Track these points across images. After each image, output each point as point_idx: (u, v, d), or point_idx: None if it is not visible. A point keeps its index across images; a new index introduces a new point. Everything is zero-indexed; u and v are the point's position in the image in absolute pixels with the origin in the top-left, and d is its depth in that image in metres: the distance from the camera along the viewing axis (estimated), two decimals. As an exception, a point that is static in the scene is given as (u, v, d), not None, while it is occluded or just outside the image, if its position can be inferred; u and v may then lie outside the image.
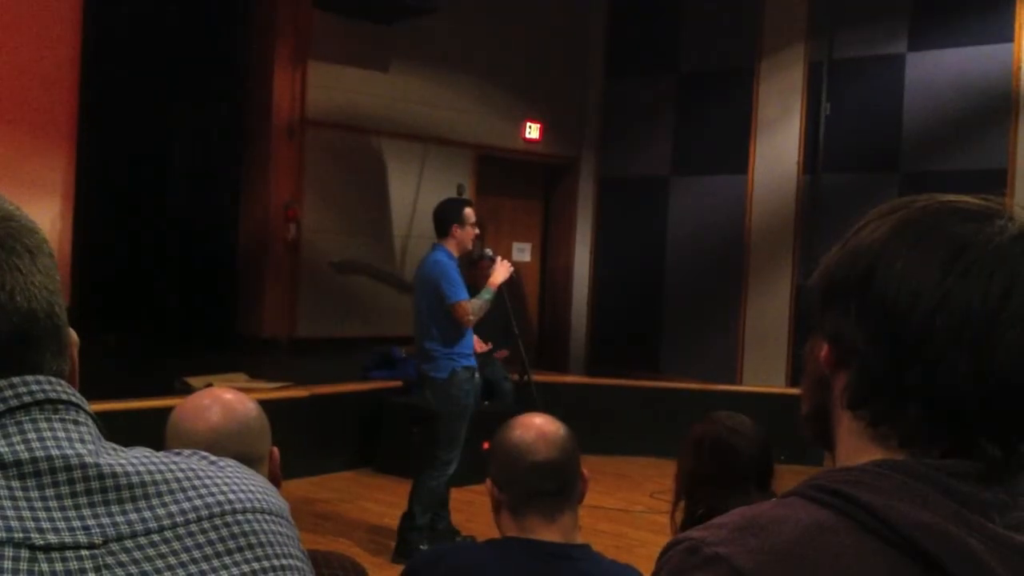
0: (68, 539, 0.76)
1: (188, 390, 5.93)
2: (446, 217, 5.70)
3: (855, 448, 0.92)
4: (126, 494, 0.80)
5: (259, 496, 0.89)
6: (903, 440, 0.89)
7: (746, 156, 9.32)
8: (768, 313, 9.11)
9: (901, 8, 8.54)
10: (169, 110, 7.77)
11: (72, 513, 0.77)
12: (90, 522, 0.77)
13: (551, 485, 2.16)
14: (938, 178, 7.80)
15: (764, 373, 9.01)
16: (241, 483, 0.88)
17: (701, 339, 9.51)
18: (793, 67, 9.09)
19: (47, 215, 7.03)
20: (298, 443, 6.64)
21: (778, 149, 9.14)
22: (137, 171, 7.59)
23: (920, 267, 0.88)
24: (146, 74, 7.56)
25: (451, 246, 5.65)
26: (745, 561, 0.84)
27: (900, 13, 8.54)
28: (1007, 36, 8.03)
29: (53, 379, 0.83)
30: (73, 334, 0.90)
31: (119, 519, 0.79)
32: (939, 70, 8.33)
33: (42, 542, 0.75)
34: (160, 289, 7.75)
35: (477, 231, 5.79)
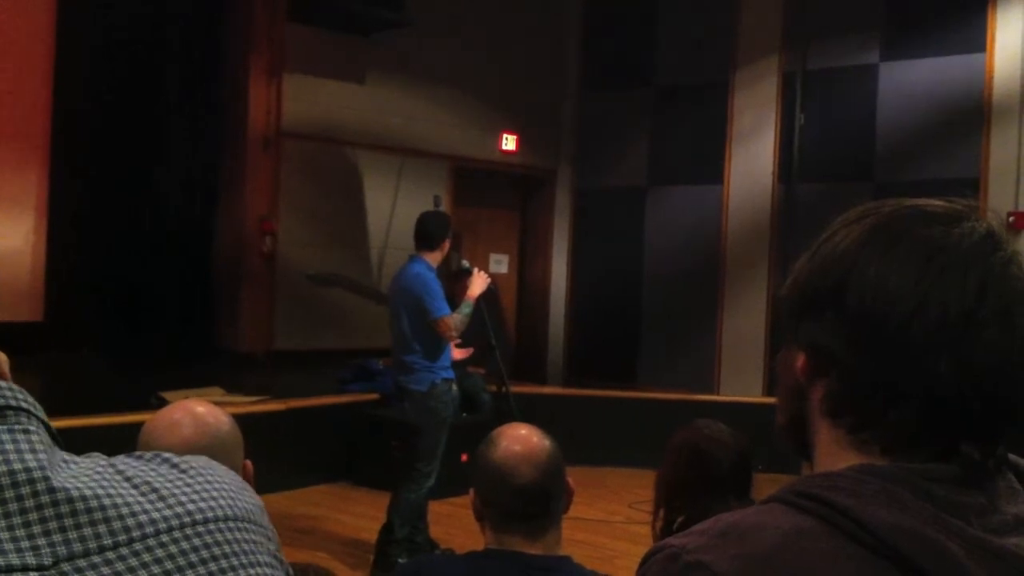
0: (16, 560, 0.73)
1: (164, 405, 5.88)
2: (435, 231, 5.64)
3: (835, 456, 0.92)
4: (82, 516, 0.77)
5: (224, 503, 0.86)
6: (884, 446, 0.90)
7: (722, 166, 9.35)
8: (744, 322, 9.14)
9: (874, 19, 8.60)
10: (144, 123, 7.72)
11: (21, 532, 0.74)
12: (40, 541, 0.74)
13: (535, 509, 2.15)
14: (912, 187, 7.82)
15: (741, 383, 9.03)
16: (204, 490, 0.85)
17: (678, 349, 9.53)
18: (767, 78, 9.14)
19: (21, 229, 6.99)
20: (276, 457, 6.61)
21: (753, 159, 9.19)
22: (112, 185, 7.53)
23: (894, 272, 0.88)
24: (121, 87, 7.52)
25: (432, 259, 5.62)
26: (726, 567, 0.84)
27: (873, 24, 8.60)
28: (979, 46, 8.10)
29: (3, 384, 0.80)
30: (2, 355, 0.87)
31: (72, 535, 0.75)
32: (912, 80, 8.39)
33: None
34: (136, 303, 7.70)
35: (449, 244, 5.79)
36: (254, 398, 7.41)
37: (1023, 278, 0.88)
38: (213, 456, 1.84)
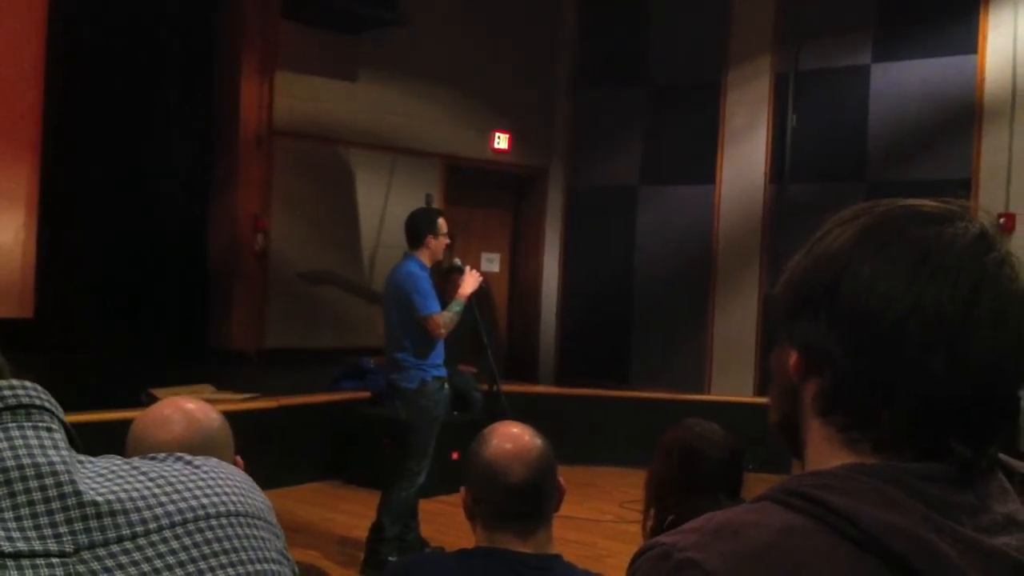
0: (38, 547, 0.75)
1: (154, 403, 5.86)
2: (420, 228, 5.66)
3: (826, 454, 0.92)
4: (103, 507, 0.79)
5: (235, 499, 0.89)
6: (875, 445, 0.90)
7: (714, 166, 9.36)
8: (736, 322, 9.15)
9: (866, 20, 8.62)
10: (136, 121, 7.70)
11: (44, 520, 0.76)
12: (62, 529, 0.77)
13: (527, 507, 2.15)
14: (903, 187, 7.73)
15: (732, 382, 9.04)
16: (217, 486, 0.88)
17: (669, 348, 9.54)
18: (760, 78, 9.15)
19: (11, 226, 6.96)
20: (267, 454, 6.60)
21: (745, 159, 9.20)
22: (104, 182, 7.51)
23: (888, 272, 0.88)
24: (113, 84, 7.49)
25: (424, 256, 5.63)
26: (717, 565, 0.84)
27: (865, 25, 8.62)
28: (970, 48, 8.12)
29: (28, 384, 0.82)
30: None
31: (92, 524, 0.78)
32: (904, 81, 8.41)
33: (11, 549, 0.74)
34: (127, 300, 7.67)
35: (448, 241, 5.78)
36: (245, 395, 7.39)
37: (1016, 279, 0.88)
38: (204, 452, 1.84)
